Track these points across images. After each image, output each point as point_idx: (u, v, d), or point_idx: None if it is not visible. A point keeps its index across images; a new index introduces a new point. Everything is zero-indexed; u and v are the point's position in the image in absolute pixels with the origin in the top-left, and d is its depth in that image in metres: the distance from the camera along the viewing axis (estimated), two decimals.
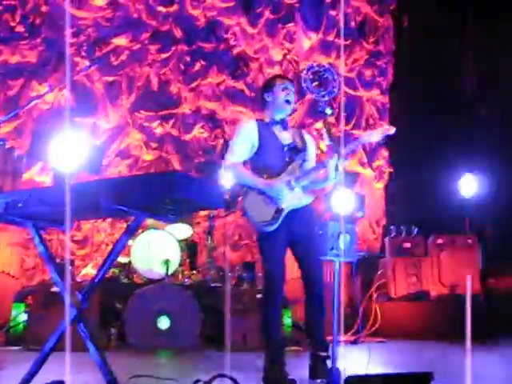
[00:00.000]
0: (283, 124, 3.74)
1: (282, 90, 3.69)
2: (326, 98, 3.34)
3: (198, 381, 3.04)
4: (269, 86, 3.79)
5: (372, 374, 2.72)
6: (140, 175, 2.71)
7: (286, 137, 3.76)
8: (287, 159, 3.68)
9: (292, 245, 3.65)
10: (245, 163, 3.76)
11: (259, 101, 3.87)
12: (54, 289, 5.02)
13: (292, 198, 3.58)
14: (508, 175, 8.36)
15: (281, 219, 3.52)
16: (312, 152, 3.80)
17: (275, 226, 3.53)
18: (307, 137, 3.87)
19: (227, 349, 4.75)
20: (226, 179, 6.23)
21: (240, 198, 3.76)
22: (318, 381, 3.32)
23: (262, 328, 3.63)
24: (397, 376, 2.62)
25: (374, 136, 3.59)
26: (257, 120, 3.80)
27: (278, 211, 3.53)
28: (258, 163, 3.71)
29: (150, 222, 5.97)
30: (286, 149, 3.71)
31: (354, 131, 8.77)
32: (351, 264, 6.51)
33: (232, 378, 3.04)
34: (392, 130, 3.60)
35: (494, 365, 4.64)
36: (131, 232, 2.81)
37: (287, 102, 3.68)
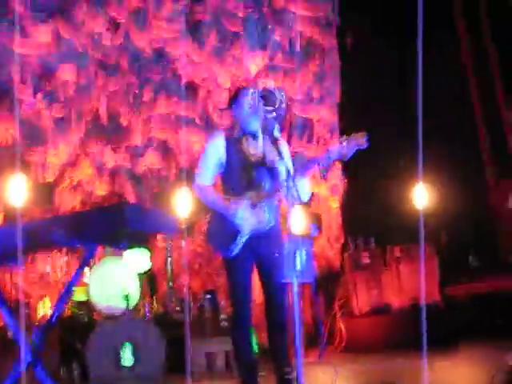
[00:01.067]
0: (255, 135, 3.58)
1: (247, 97, 3.53)
2: (274, 115, 3.34)
3: None
4: (233, 98, 3.67)
5: None
6: (91, 210, 2.70)
7: (255, 151, 3.59)
8: (254, 176, 3.53)
9: (257, 268, 3.56)
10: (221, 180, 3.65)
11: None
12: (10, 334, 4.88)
13: (255, 219, 3.45)
14: (455, 185, 8.60)
15: (240, 244, 3.42)
16: (288, 166, 3.46)
17: (235, 251, 3.43)
18: (284, 149, 3.57)
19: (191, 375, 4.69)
20: (183, 206, 6.21)
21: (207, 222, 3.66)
22: None
23: (234, 353, 3.61)
24: None
25: (346, 149, 3.45)
26: (226, 135, 3.63)
27: (238, 235, 3.42)
28: (225, 182, 3.60)
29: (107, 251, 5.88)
30: (254, 165, 3.56)
31: (306, 150, 8.89)
32: (312, 284, 6.54)
33: None
34: (365, 143, 3.48)
35: (457, 370, 4.72)
36: (86, 263, 2.78)
37: (253, 109, 3.49)
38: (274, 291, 3.49)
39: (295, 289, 2.92)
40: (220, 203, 3.50)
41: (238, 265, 3.48)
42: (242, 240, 3.44)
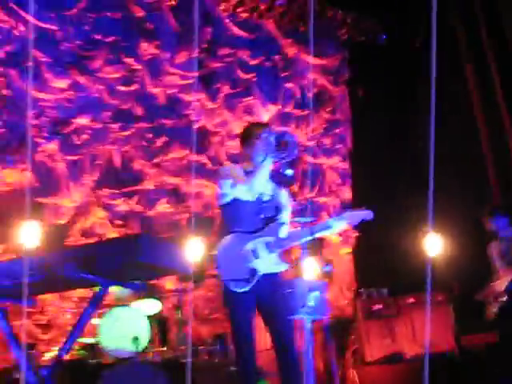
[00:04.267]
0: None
1: (261, 138, 3.51)
2: (287, 160, 3.37)
3: None
4: (247, 135, 3.66)
5: None
6: (104, 240, 2.69)
7: (268, 193, 3.56)
8: (262, 216, 3.51)
9: (259, 307, 3.46)
10: (223, 207, 3.58)
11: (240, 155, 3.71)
12: (17, 375, 4.80)
13: (269, 262, 3.41)
14: (466, 235, 8.52)
15: (253, 283, 3.34)
16: (288, 215, 3.59)
17: (246, 289, 3.34)
18: (285, 197, 3.64)
19: None
20: (194, 252, 6.19)
21: (215, 251, 3.61)
22: None
23: None
24: None
25: (355, 216, 3.52)
26: (240, 167, 3.61)
27: (253, 272, 3.35)
28: (232, 213, 3.53)
29: (117, 296, 5.84)
30: (264, 205, 3.54)
31: (317, 198, 8.92)
32: (324, 330, 6.44)
33: None
34: (370, 216, 3.56)
35: None
36: (97, 301, 2.75)
37: (267, 150, 3.43)
38: (283, 327, 3.38)
39: (308, 325, 2.87)
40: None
41: (241, 303, 3.39)
42: (254, 279, 3.36)
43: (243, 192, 3.48)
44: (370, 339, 6.95)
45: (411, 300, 7.30)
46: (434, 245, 7.70)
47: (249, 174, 3.54)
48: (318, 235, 3.25)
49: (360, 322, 7.15)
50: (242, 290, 3.36)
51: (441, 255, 7.72)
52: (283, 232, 3.50)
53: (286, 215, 3.58)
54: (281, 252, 3.47)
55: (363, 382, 6.40)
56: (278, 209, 3.57)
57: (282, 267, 3.48)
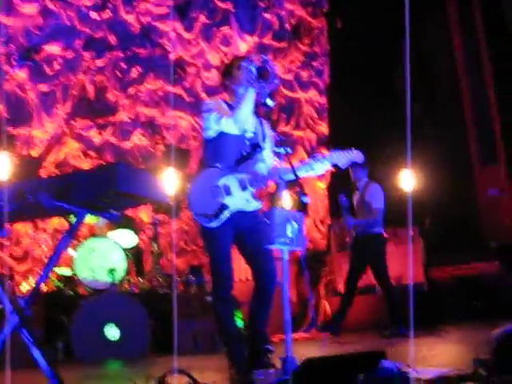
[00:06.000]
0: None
1: (243, 69, 3.45)
2: (268, 90, 3.31)
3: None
4: (228, 69, 3.60)
5: (327, 355, 2.72)
6: (80, 171, 2.64)
7: (250, 127, 3.52)
8: (244, 153, 3.49)
9: (238, 240, 3.49)
10: (206, 141, 3.55)
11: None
12: None
13: (241, 198, 3.41)
14: (440, 171, 8.64)
15: (223, 218, 3.35)
16: (269, 151, 3.54)
17: (214, 224, 3.36)
18: (267, 131, 3.60)
19: (177, 352, 4.67)
20: (170, 183, 6.17)
21: (188, 184, 3.59)
22: (271, 370, 3.23)
23: (217, 326, 3.58)
24: (351, 355, 2.63)
25: (342, 158, 3.43)
26: (222, 100, 3.58)
27: (223, 208, 3.35)
28: (214, 148, 3.50)
29: (95, 228, 5.84)
30: (246, 142, 3.51)
31: (293, 132, 8.89)
32: (299, 262, 6.56)
33: (188, 374, 2.99)
34: (360, 158, 3.49)
35: (439, 347, 4.78)
36: (73, 231, 2.73)
37: (249, 81, 3.37)
38: (262, 258, 3.43)
39: (286, 256, 2.90)
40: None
41: (218, 234, 3.41)
42: (224, 215, 3.37)
43: (229, 125, 3.44)
44: (342, 271, 7.10)
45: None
46: (408, 180, 7.80)
47: (232, 107, 3.50)
48: (298, 175, 3.22)
49: (333, 255, 7.29)
50: (211, 224, 3.37)
51: (413, 191, 7.83)
52: (261, 169, 3.49)
53: (267, 152, 3.55)
54: (255, 189, 3.46)
55: (334, 312, 6.57)
56: (258, 146, 3.53)
57: (253, 205, 3.48)
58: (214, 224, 3.37)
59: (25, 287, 6.10)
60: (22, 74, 7.24)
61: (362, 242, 5.98)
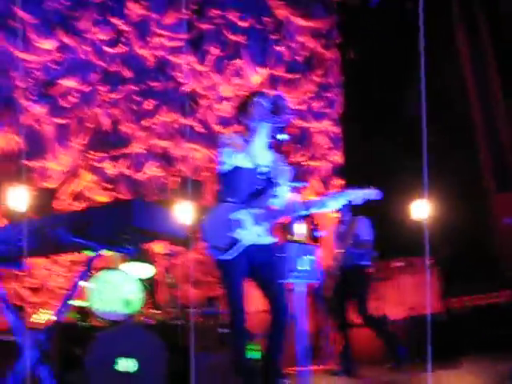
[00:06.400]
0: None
1: (257, 105, 3.48)
2: (281, 124, 3.34)
3: None
4: (242, 105, 3.64)
5: None
6: (96, 207, 2.67)
7: (263, 162, 3.55)
8: (259, 187, 3.52)
9: (252, 273, 3.50)
10: (221, 175, 3.59)
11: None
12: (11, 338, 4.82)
13: (254, 233, 3.44)
14: (454, 199, 8.60)
15: (235, 252, 3.38)
16: (284, 186, 3.56)
17: (226, 257, 3.39)
18: (283, 165, 3.63)
19: None
20: (184, 215, 6.18)
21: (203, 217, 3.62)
22: None
23: (232, 358, 3.57)
24: None
25: (357, 196, 3.47)
26: (238, 134, 3.63)
27: (235, 242, 3.39)
28: (229, 182, 3.54)
29: (109, 260, 5.84)
30: (260, 176, 3.55)
31: (308, 162, 8.92)
32: (315, 293, 6.51)
33: None
34: (377, 196, 3.54)
35: (460, 379, 4.69)
36: (90, 265, 2.75)
37: (262, 116, 3.42)
38: (275, 291, 3.42)
39: (301, 288, 2.89)
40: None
41: (231, 267, 3.43)
42: (236, 248, 3.40)
43: (242, 159, 3.48)
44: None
45: (400, 263, 7.38)
46: (423, 209, 7.76)
47: (247, 141, 3.54)
48: (311, 211, 3.23)
49: None
50: (222, 257, 3.40)
51: (429, 219, 7.79)
52: (275, 205, 3.51)
53: (283, 188, 3.56)
54: (269, 225, 3.49)
55: (350, 343, 6.49)
56: (272, 181, 3.57)
57: (267, 240, 3.50)
58: (225, 257, 3.40)
59: (35, 319, 6.09)
60: (39, 109, 7.36)
61: (349, 273, 5.90)
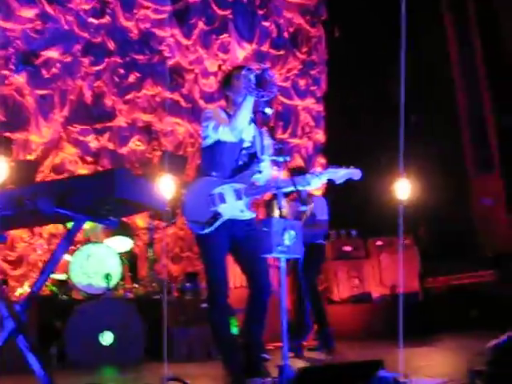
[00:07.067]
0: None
1: (242, 79, 3.39)
2: (266, 98, 3.31)
3: None
4: (227, 79, 3.62)
5: (324, 364, 2.72)
6: (79, 176, 2.63)
7: (247, 137, 3.54)
8: (241, 162, 3.50)
9: (233, 248, 3.50)
10: (204, 150, 3.56)
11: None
12: None
13: (235, 208, 3.42)
14: (434, 179, 8.66)
15: (215, 225, 3.37)
16: (267, 161, 3.51)
17: (206, 231, 3.38)
18: (266, 141, 3.61)
19: (171, 360, 4.65)
20: (166, 190, 6.15)
21: (183, 191, 3.61)
22: (267, 379, 3.22)
23: (213, 334, 3.57)
24: (348, 365, 2.63)
25: (339, 175, 3.45)
26: (221, 109, 3.60)
27: (215, 216, 3.37)
28: (211, 156, 3.51)
29: (89, 234, 5.82)
30: (243, 151, 3.53)
31: (290, 140, 8.91)
32: (297, 269, 6.54)
33: (183, 382, 2.98)
34: (358, 176, 3.51)
35: (434, 357, 4.77)
36: (71, 237, 2.72)
37: (247, 90, 3.33)
38: (257, 266, 3.42)
39: (283, 264, 2.90)
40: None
41: (213, 242, 3.42)
42: (217, 223, 3.38)
43: (226, 133, 3.45)
44: (338, 279, 7.12)
45: (379, 242, 7.45)
46: (404, 189, 7.80)
47: (231, 115, 3.51)
48: (296, 187, 3.23)
49: (329, 262, 7.29)
50: (203, 232, 3.39)
51: (409, 199, 7.84)
52: (258, 180, 3.49)
53: (265, 162, 3.53)
54: (250, 199, 3.47)
55: (330, 320, 6.56)
56: (255, 156, 3.54)
57: (247, 215, 3.49)
58: (206, 231, 3.38)
59: (19, 292, 6.08)
60: (20, 79, 7.23)
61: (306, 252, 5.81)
